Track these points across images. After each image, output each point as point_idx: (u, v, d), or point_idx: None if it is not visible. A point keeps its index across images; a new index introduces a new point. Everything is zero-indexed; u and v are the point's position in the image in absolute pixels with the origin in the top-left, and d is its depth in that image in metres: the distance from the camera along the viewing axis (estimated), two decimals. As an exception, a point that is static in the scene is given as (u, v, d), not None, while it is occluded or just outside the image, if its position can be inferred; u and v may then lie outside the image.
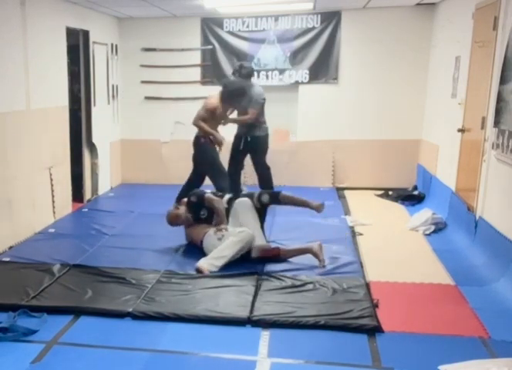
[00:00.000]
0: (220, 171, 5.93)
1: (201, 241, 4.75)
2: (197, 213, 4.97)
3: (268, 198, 4.77)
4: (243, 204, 4.81)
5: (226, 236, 4.59)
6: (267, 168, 6.65)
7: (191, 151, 5.90)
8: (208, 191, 5.16)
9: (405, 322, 3.48)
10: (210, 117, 5.83)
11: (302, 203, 4.84)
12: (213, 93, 6.06)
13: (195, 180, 6.10)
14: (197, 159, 6.00)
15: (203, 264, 4.37)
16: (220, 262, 4.40)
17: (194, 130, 5.80)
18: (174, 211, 5.04)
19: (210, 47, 7.61)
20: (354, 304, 3.66)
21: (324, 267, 4.43)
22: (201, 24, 7.59)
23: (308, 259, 4.57)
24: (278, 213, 5.96)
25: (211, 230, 4.72)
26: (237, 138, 6.53)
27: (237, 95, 5.89)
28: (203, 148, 5.90)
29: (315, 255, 4.52)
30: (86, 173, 6.96)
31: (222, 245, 4.50)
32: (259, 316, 3.50)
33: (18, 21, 5.17)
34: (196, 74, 7.73)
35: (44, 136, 5.68)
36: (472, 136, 5.23)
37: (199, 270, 4.32)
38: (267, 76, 7.52)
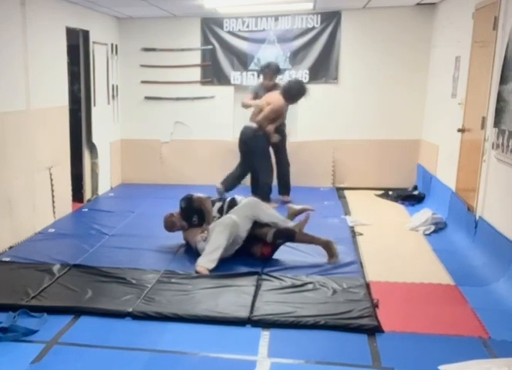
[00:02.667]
0: (270, 167, 6.54)
1: (195, 248, 4.77)
2: (189, 219, 4.96)
3: (284, 240, 4.66)
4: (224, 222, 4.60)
5: (209, 232, 4.59)
6: (289, 164, 6.87)
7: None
8: (200, 194, 5.09)
9: (405, 322, 3.48)
10: (275, 117, 6.34)
11: (316, 241, 4.69)
12: (273, 94, 6.45)
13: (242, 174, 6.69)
14: (256, 152, 6.42)
15: (201, 264, 4.37)
16: (217, 254, 4.41)
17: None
18: (170, 219, 5.03)
19: (210, 47, 7.60)
20: (354, 304, 3.66)
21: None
22: (201, 24, 7.58)
23: (308, 259, 4.58)
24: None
25: (199, 236, 4.74)
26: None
27: (300, 95, 6.39)
28: (264, 144, 6.43)
29: (329, 249, 4.56)
30: (86, 173, 6.95)
31: (211, 238, 4.50)
32: (259, 316, 3.50)
33: (18, 21, 5.17)
34: (196, 74, 7.72)
35: (44, 136, 5.68)
36: (472, 136, 5.23)
37: (198, 272, 4.32)
38: (267, 76, 7.51)
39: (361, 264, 4.54)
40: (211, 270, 4.34)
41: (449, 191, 5.72)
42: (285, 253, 4.70)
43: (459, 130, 5.51)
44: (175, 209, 5.11)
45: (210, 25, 7.56)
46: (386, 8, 7.09)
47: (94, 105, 6.93)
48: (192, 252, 4.80)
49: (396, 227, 5.62)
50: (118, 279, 4.16)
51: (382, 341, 3.22)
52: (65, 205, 6.26)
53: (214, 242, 4.46)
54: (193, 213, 4.95)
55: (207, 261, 4.38)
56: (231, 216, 4.64)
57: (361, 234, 5.39)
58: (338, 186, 7.60)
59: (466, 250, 4.76)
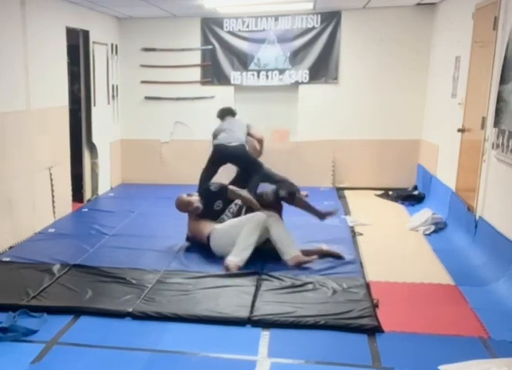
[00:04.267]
0: None
1: (208, 237, 4.71)
2: (211, 203, 4.91)
3: (286, 193, 4.77)
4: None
5: (240, 224, 4.59)
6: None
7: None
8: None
9: (405, 322, 3.47)
10: None
11: (312, 211, 4.86)
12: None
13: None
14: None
15: (232, 260, 4.35)
16: (248, 253, 4.42)
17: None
18: (186, 198, 4.94)
19: (210, 47, 7.61)
20: (354, 304, 3.66)
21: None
22: (201, 24, 7.59)
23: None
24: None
25: (218, 225, 4.72)
26: None
27: None
28: None
29: (329, 253, 4.65)
30: (86, 173, 6.96)
31: (242, 235, 4.46)
32: (259, 316, 3.50)
33: (18, 21, 5.17)
34: (196, 74, 7.73)
35: (44, 136, 5.68)
36: (472, 136, 5.23)
37: (227, 269, 4.31)
38: (267, 76, 7.52)
39: (361, 264, 4.54)
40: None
41: (449, 191, 5.72)
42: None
43: (459, 130, 5.51)
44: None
45: (210, 25, 7.56)
46: (386, 8, 7.10)
47: (94, 105, 6.93)
48: (192, 252, 4.80)
49: (396, 227, 5.62)
50: (118, 279, 4.16)
51: (382, 341, 3.22)
52: (65, 205, 6.26)
53: (247, 239, 4.45)
54: (220, 199, 4.93)
55: (240, 260, 4.37)
56: (263, 213, 4.61)
57: (361, 234, 5.39)
58: (338, 186, 7.60)
59: (466, 250, 4.76)
